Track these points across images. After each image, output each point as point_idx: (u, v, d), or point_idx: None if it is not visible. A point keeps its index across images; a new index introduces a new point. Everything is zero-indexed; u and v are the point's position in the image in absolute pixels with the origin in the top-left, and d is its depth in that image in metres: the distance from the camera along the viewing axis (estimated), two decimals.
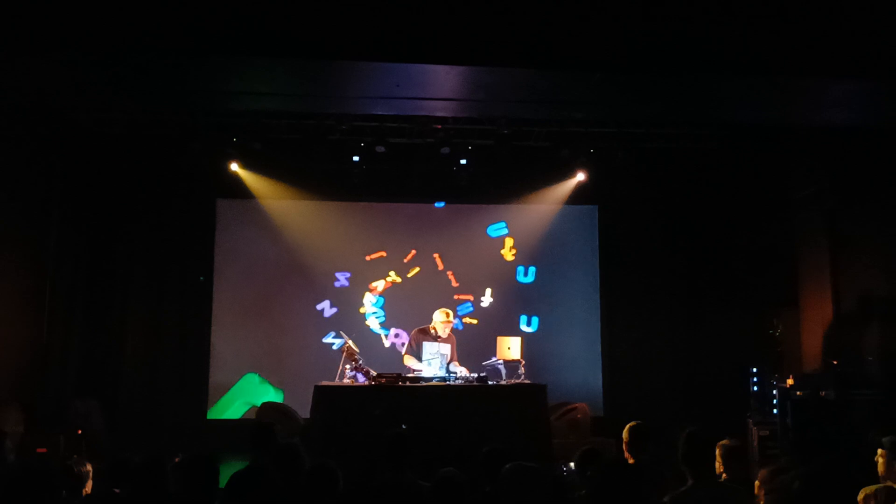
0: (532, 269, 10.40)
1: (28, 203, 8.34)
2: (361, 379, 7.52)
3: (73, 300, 9.19)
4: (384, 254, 10.20)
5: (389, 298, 10.20)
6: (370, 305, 10.15)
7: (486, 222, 10.37)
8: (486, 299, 10.22)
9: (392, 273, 10.21)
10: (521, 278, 10.36)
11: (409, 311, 9.77)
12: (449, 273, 10.29)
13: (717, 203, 9.95)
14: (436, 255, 10.29)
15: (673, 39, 5.88)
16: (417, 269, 10.26)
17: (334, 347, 9.72)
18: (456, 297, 10.20)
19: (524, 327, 10.22)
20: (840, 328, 8.61)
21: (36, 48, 5.72)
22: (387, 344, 10.06)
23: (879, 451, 4.43)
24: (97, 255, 9.52)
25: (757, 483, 4.35)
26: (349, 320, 9.87)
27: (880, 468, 4.41)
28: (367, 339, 9.74)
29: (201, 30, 5.69)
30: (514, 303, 10.30)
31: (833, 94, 6.83)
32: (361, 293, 10.15)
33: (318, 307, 10.07)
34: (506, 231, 10.37)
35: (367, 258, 10.17)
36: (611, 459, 4.52)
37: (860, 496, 4.04)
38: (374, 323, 10.14)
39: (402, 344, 9.85)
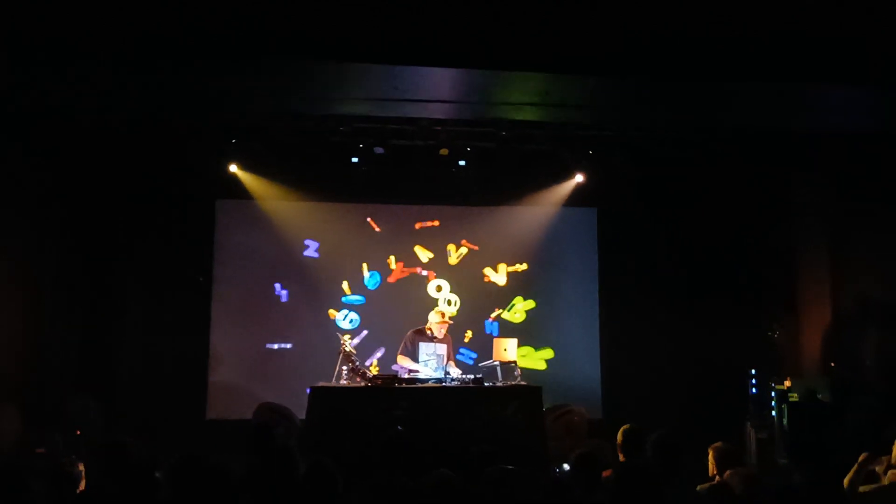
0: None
1: (26, 201, 8.34)
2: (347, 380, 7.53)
3: (71, 299, 9.19)
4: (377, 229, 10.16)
5: (372, 300, 10.12)
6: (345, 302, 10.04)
7: (485, 224, 10.32)
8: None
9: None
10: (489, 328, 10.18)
11: (393, 317, 9.72)
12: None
13: (716, 206, 9.92)
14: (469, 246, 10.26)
15: (673, 44, 5.89)
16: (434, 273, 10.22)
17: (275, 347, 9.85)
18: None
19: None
20: (838, 332, 8.62)
21: (36, 51, 5.74)
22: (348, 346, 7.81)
23: None
24: (95, 253, 9.50)
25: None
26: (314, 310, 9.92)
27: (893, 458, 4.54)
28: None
29: (201, 31, 5.70)
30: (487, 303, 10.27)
31: (833, 99, 6.84)
32: (332, 277, 10.06)
33: (276, 287, 9.98)
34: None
35: (369, 220, 10.10)
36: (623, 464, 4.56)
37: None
38: (342, 318, 10.01)
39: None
